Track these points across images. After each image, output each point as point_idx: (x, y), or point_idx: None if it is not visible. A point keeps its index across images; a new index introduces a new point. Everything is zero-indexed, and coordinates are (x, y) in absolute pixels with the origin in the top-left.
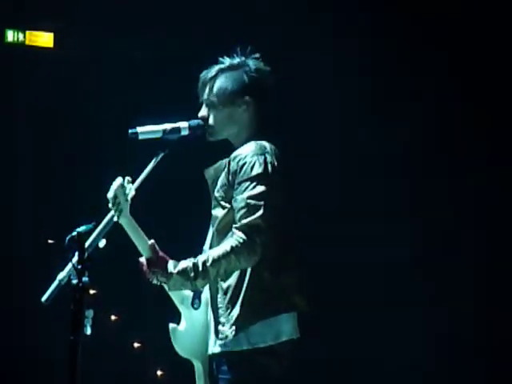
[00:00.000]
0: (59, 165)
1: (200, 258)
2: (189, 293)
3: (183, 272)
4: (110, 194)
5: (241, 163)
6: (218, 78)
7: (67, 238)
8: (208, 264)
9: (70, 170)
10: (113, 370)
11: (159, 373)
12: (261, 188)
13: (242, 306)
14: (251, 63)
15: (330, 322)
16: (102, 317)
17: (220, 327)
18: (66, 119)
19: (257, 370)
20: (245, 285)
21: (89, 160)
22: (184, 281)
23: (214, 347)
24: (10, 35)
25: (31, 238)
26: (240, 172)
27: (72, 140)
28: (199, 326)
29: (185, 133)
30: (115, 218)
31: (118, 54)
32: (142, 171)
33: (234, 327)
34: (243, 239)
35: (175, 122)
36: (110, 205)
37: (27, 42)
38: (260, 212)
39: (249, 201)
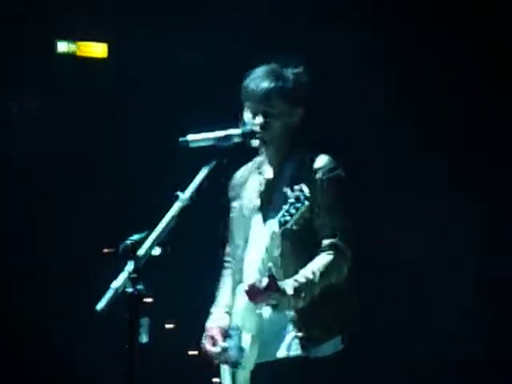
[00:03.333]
0: (111, 173)
1: (308, 276)
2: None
3: (297, 291)
4: None
5: (327, 176)
6: (278, 89)
7: (121, 247)
8: (316, 281)
9: (122, 179)
10: (168, 378)
11: (215, 380)
12: (348, 202)
13: (334, 313)
14: (302, 75)
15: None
16: (157, 325)
17: (300, 334)
18: (119, 129)
19: (329, 377)
20: (333, 293)
21: (142, 168)
22: (297, 300)
23: (288, 353)
24: (63, 46)
25: (85, 246)
26: (328, 186)
27: (125, 149)
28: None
29: (237, 140)
30: None
31: (171, 62)
32: (192, 179)
33: (324, 334)
34: (342, 254)
35: (226, 129)
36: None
37: (79, 53)
38: (350, 226)
39: (342, 216)
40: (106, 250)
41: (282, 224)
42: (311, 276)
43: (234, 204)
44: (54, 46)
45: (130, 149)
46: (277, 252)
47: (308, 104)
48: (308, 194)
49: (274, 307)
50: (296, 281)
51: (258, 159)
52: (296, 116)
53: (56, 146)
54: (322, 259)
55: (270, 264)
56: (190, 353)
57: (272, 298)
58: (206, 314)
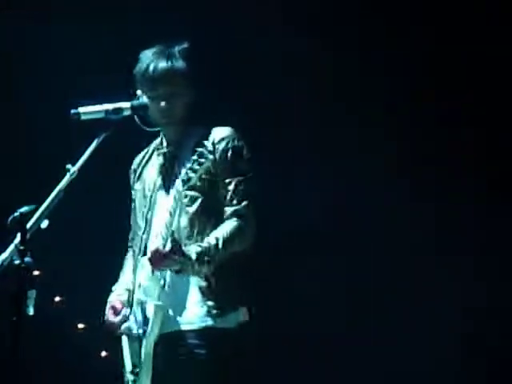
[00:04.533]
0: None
1: (210, 242)
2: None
3: (200, 257)
4: None
5: (230, 145)
6: (176, 67)
7: (9, 219)
8: (220, 247)
9: (11, 152)
10: (55, 352)
11: (103, 354)
12: (251, 172)
13: (238, 282)
14: (187, 48)
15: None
16: (45, 298)
17: (209, 303)
18: (9, 101)
19: (235, 348)
20: (236, 261)
21: (30, 141)
22: (200, 266)
23: (196, 323)
24: None
25: None
26: (233, 155)
27: (11, 120)
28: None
29: (127, 113)
30: None
31: (56, 29)
32: (83, 152)
33: (225, 305)
34: (246, 221)
35: (117, 102)
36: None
37: None
38: (254, 194)
39: (245, 184)
40: None
41: (185, 182)
42: (214, 241)
43: (136, 186)
44: None
45: (19, 120)
46: (184, 216)
47: (201, 82)
48: (211, 148)
49: (178, 272)
50: (199, 246)
51: (156, 142)
52: (193, 94)
53: None
54: (226, 226)
55: (174, 229)
56: (79, 326)
57: (176, 263)
58: (94, 288)
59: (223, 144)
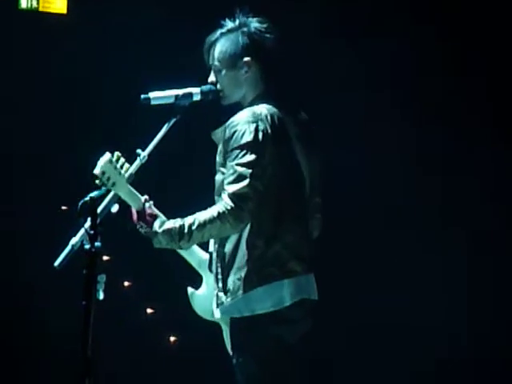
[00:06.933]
0: (72, 130)
1: (187, 221)
2: (206, 256)
3: (168, 232)
4: (96, 171)
5: (232, 130)
6: (219, 42)
7: (79, 203)
8: (194, 227)
9: (82, 136)
10: (125, 336)
11: (172, 339)
12: (250, 156)
13: (236, 274)
14: (251, 24)
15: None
16: (115, 282)
17: (218, 293)
18: (79, 85)
19: (268, 338)
20: (239, 252)
21: (101, 125)
22: (169, 241)
23: (216, 312)
24: (24, 1)
25: (44, 203)
26: (231, 139)
27: (84, 105)
28: None
29: (197, 98)
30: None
31: (131, 19)
32: (153, 137)
33: (228, 294)
34: (231, 206)
35: (187, 87)
36: (97, 181)
37: (41, 8)
38: (247, 180)
39: (237, 168)
40: (64, 208)
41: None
42: (191, 221)
43: None
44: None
45: (90, 104)
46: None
47: (262, 54)
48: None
49: (147, 237)
50: (175, 222)
51: None
52: (242, 67)
53: (18, 99)
54: (212, 208)
55: (146, 196)
56: (148, 311)
57: (145, 230)
58: (163, 273)
59: (227, 129)
